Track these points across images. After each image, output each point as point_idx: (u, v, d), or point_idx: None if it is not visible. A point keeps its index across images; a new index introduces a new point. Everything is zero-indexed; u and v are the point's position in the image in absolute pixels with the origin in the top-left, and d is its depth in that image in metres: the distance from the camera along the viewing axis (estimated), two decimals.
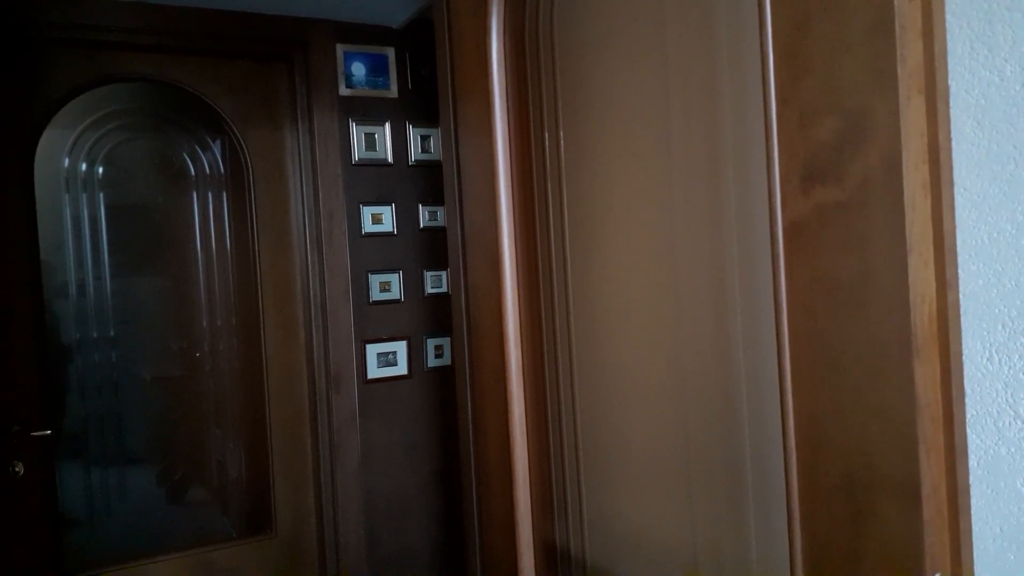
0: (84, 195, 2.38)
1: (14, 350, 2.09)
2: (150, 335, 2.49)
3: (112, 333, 2.43)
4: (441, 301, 2.62)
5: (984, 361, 0.72)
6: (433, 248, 2.61)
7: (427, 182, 2.59)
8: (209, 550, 2.44)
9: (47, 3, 2.10)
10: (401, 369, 2.56)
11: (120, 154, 2.43)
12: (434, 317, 2.62)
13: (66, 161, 2.35)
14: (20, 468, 2.09)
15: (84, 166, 2.37)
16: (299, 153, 2.48)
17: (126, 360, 2.45)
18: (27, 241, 2.15)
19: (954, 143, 0.71)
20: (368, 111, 2.50)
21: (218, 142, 2.55)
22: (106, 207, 2.41)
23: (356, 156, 2.48)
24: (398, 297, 2.55)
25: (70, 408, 2.39)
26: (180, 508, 2.56)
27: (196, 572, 2.41)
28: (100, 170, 2.40)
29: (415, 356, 2.58)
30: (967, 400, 0.71)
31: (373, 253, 2.52)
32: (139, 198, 2.47)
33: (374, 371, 2.52)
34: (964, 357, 0.71)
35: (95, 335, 2.41)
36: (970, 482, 0.72)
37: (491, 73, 1.30)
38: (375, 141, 2.51)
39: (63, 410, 2.38)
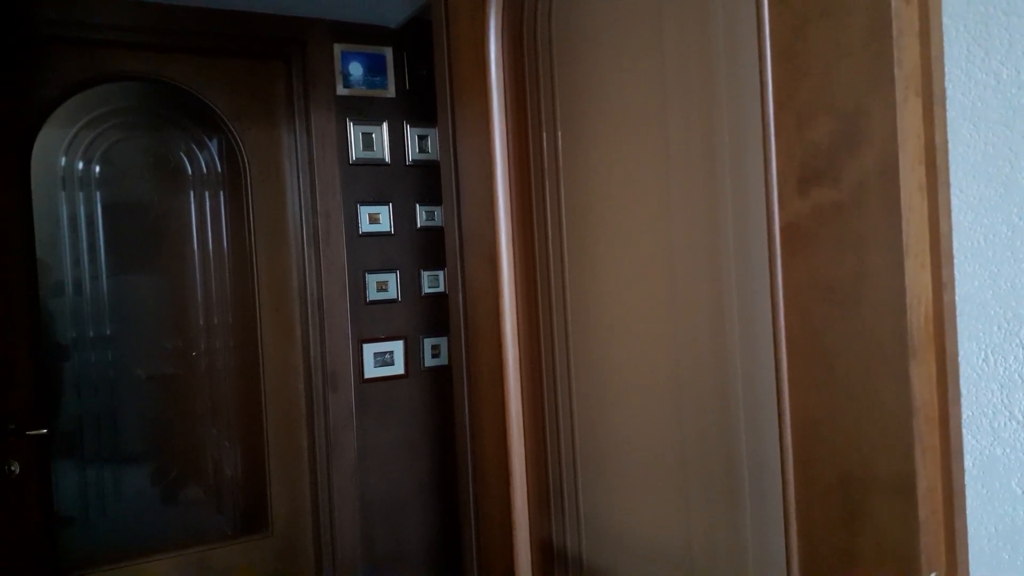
0: (80, 194, 2.37)
1: (9, 349, 2.09)
2: (146, 334, 2.48)
3: (108, 332, 2.43)
4: (438, 301, 2.62)
5: (980, 362, 0.72)
6: (430, 248, 2.61)
7: (424, 182, 2.59)
8: (204, 549, 2.44)
9: (45, 0, 2.10)
10: (398, 369, 2.56)
11: (117, 153, 2.42)
12: (431, 317, 2.62)
13: (63, 159, 2.34)
14: (16, 467, 2.08)
15: (81, 164, 2.37)
16: (296, 152, 2.48)
17: (122, 359, 2.45)
18: (23, 240, 2.14)
19: (950, 145, 0.71)
20: (365, 111, 2.50)
21: (215, 141, 2.55)
22: (102, 206, 2.40)
23: (353, 156, 2.48)
24: (395, 297, 2.55)
25: (66, 407, 2.38)
26: (175, 507, 2.56)
27: (191, 571, 2.40)
28: (97, 169, 2.39)
29: (412, 356, 2.59)
30: (963, 401, 0.72)
31: (370, 253, 2.52)
32: (136, 197, 2.47)
33: (371, 371, 2.52)
34: (960, 358, 0.72)
35: (91, 334, 2.41)
36: (965, 482, 0.72)
37: (489, 73, 1.30)
38: (372, 141, 2.51)
39: (59, 409, 2.37)
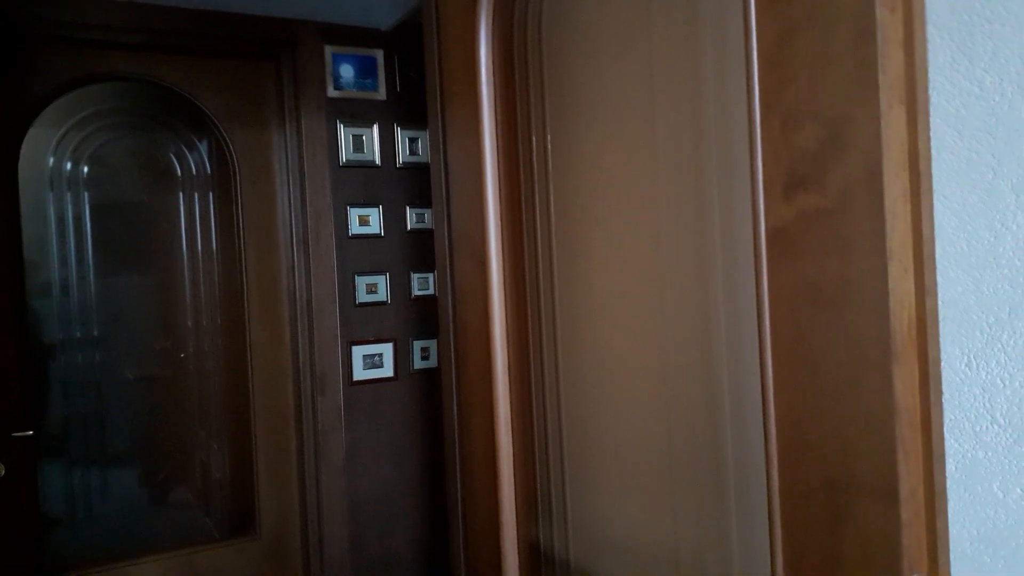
0: (69, 194, 2.37)
1: None
2: (134, 335, 2.47)
3: (96, 332, 2.42)
4: (428, 303, 2.62)
5: (962, 367, 0.73)
6: (420, 250, 2.61)
7: (414, 184, 2.59)
8: (192, 551, 2.42)
9: (34, 0, 2.09)
10: (387, 371, 2.56)
11: (106, 153, 2.41)
12: (420, 319, 2.62)
13: (51, 160, 2.33)
14: (1, 469, 2.07)
15: (69, 165, 2.36)
16: (286, 154, 2.48)
17: (109, 360, 2.44)
18: (10, 239, 2.13)
19: (934, 152, 0.72)
20: (356, 113, 2.50)
21: (204, 142, 2.54)
22: (91, 206, 2.39)
23: (344, 158, 2.48)
24: (384, 299, 2.55)
25: (52, 408, 2.37)
26: (163, 509, 2.55)
27: (179, 574, 2.39)
28: (85, 169, 2.39)
29: (401, 358, 2.58)
30: (945, 405, 0.73)
31: (360, 255, 2.52)
32: (124, 197, 2.46)
33: (360, 373, 2.51)
34: (942, 362, 0.72)
35: (78, 334, 2.40)
36: (948, 485, 0.73)
37: (479, 76, 1.30)
38: (363, 143, 2.51)
39: (45, 410, 2.36)
